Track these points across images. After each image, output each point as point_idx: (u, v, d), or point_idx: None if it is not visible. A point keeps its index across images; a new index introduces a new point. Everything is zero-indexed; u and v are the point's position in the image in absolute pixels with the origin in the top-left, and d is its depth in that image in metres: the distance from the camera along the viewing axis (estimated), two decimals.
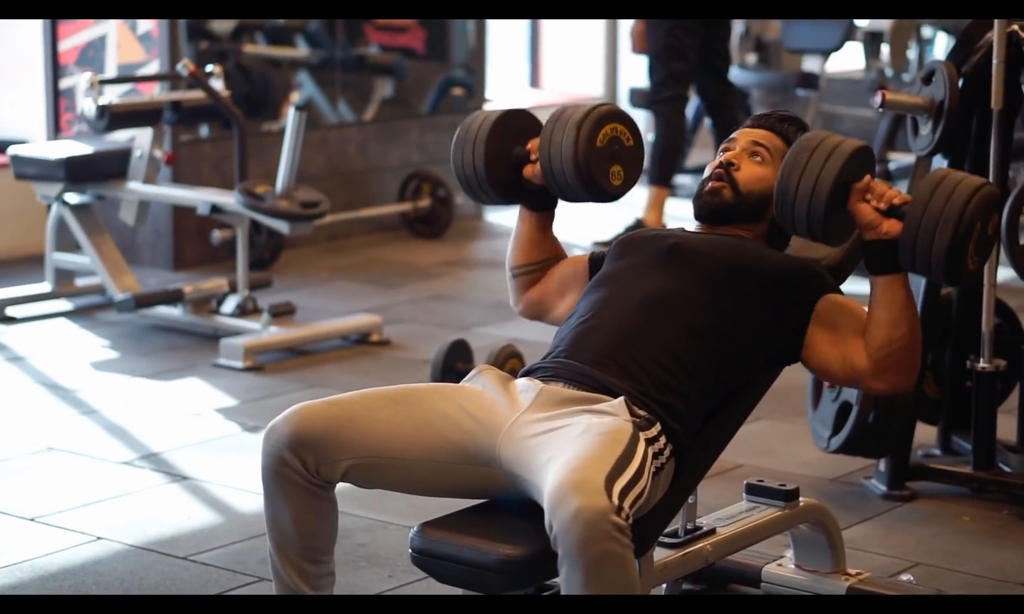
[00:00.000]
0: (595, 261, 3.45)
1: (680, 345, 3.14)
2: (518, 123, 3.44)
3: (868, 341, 3.12)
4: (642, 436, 2.98)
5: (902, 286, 3.10)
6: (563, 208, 3.47)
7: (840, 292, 3.27)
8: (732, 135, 3.45)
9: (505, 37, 10.20)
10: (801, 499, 3.59)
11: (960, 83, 4.37)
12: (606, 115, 3.31)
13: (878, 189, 3.07)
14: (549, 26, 10.89)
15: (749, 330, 3.19)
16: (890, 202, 3.06)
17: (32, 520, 4.32)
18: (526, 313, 3.54)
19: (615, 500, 2.78)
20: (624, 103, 10.04)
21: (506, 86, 9.94)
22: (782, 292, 3.21)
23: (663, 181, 7.58)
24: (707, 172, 3.40)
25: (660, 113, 7.55)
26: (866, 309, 3.16)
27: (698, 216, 3.39)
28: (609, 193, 3.33)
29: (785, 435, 5.07)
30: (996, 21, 4.27)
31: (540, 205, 3.46)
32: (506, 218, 8.79)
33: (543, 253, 3.50)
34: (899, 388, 3.16)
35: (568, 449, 2.89)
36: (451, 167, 3.46)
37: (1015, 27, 4.35)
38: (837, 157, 3.04)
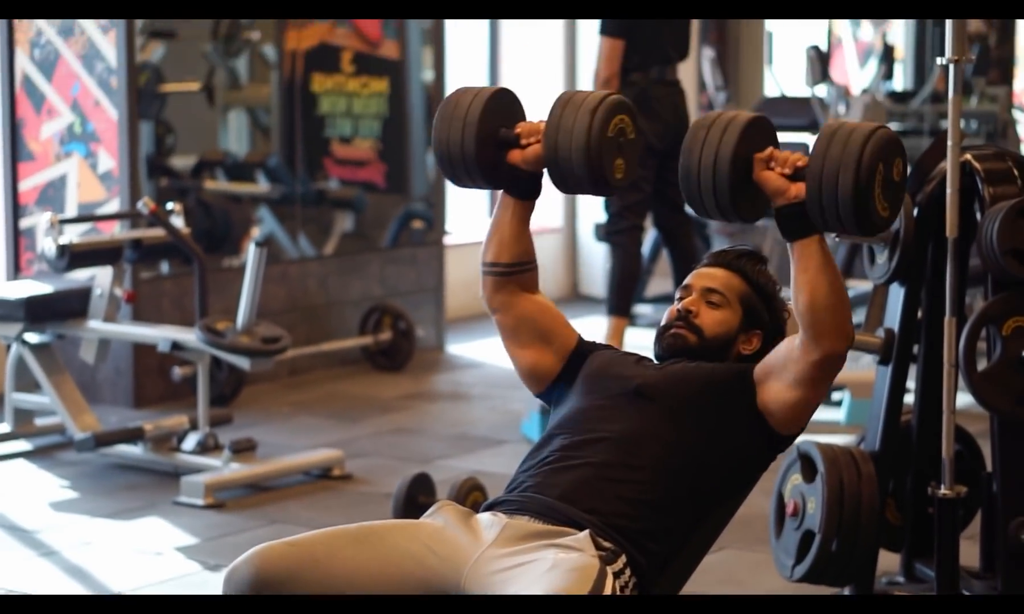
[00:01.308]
0: (580, 348, 3.41)
1: (647, 483, 3.14)
2: (506, 103, 3.33)
3: (796, 316, 3.12)
4: (609, 570, 2.97)
5: (818, 248, 3.08)
6: None
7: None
8: (687, 279, 3.45)
9: None
10: None
11: (915, 212, 4.41)
12: (618, 105, 3.21)
13: (781, 156, 3.07)
14: None
15: (716, 448, 3.20)
16: (795, 166, 3.05)
17: None
18: (498, 315, 3.42)
19: None
20: (589, 237, 10.09)
21: (466, 218, 9.99)
22: (731, 393, 3.23)
23: (622, 311, 7.60)
24: (665, 320, 3.41)
25: (617, 244, 7.60)
26: (787, 339, 3.18)
27: (660, 358, 3.40)
28: (612, 186, 3.24)
29: (749, 564, 5.06)
30: (949, 150, 4.32)
31: (526, 193, 3.35)
32: (467, 351, 8.80)
33: (519, 254, 3.39)
34: (835, 352, 3.12)
35: (536, 586, 2.88)
36: (432, 146, 3.31)
37: (968, 157, 4.40)
38: (734, 128, 3.03)
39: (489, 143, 3.28)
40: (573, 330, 3.46)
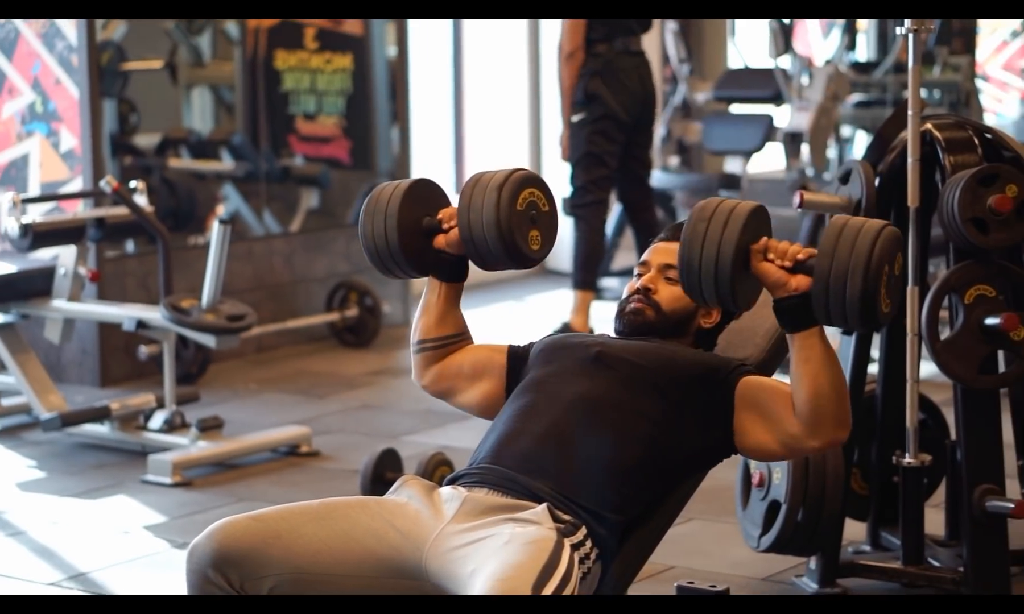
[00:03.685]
0: (513, 354, 3.44)
1: (607, 450, 3.15)
2: (426, 192, 3.39)
3: (795, 402, 3.12)
4: (567, 542, 2.98)
5: (819, 340, 3.08)
6: (493, 314, 3.47)
7: (757, 374, 3.29)
8: (645, 255, 3.46)
9: (430, 143, 10.25)
10: None
11: (876, 182, 4.43)
12: (525, 179, 3.28)
13: (779, 247, 3.07)
14: (473, 132, 10.95)
15: (676, 433, 3.21)
16: (794, 258, 3.06)
17: None
18: (431, 389, 3.49)
19: None
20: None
21: None
22: (702, 389, 3.23)
23: (588, 285, 7.62)
24: (625, 293, 3.42)
25: (581, 218, 7.61)
26: (787, 381, 3.18)
27: (620, 333, 3.41)
28: (530, 258, 3.30)
29: (716, 535, 5.08)
30: (910, 120, 4.34)
31: (452, 276, 3.41)
32: None
33: (450, 329, 3.45)
34: (835, 442, 3.14)
35: (492, 560, 2.89)
36: (360, 239, 3.39)
37: (928, 126, 4.41)
38: (734, 222, 3.04)
39: (413, 232, 3.35)
40: (500, 346, 3.49)
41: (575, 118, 7.67)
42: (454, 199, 3.37)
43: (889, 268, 3.02)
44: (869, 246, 2.98)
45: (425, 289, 3.47)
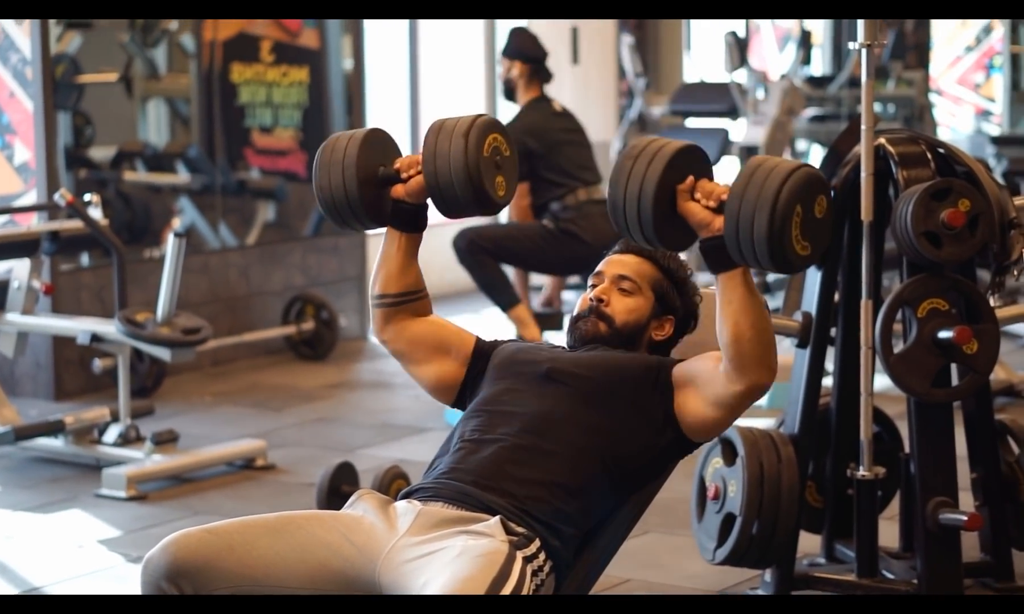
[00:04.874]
0: (479, 348, 3.43)
1: (561, 466, 3.16)
2: (380, 142, 3.36)
3: (720, 348, 3.12)
4: (519, 555, 2.98)
5: (742, 281, 3.06)
6: (456, 314, 3.46)
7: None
8: (599, 266, 3.47)
9: None
10: None
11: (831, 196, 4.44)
12: (489, 124, 3.26)
13: (706, 187, 3.05)
14: None
15: (630, 440, 3.22)
16: (719, 199, 3.03)
17: None
18: (390, 345, 3.46)
19: None
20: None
21: None
22: (646, 387, 3.24)
23: (512, 302, 7.56)
24: (577, 309, 3.43)
25: (468, 265, 7.56)
26: (713, 354, 3.18)
27: (572, 346, 3.42)
28: (495, 203, 3.27)
29: (672, 548, 5.09)
30: (863, 134, 4.36)
31: (411, 226, 3.38)
32: None
33: (410, 284, 3.42)
34: (759, 385, 3.12)
35: (443, 573, 2.89)
36: (315, 194, 3.34)
37: (882, 140, 4.44)
38: (659, 160, 3.02)
39: (370, 183, 3.32)
40: (469, 334, 3.48)
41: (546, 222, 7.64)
42: (405, 150, 3.33)
43: (803, 209, 2.97)
44: (778, 185, 2.94)
45: (384, 241, 3.42)
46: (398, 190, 3.33)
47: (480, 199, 3.24)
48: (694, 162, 3.07)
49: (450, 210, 3.28)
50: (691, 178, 3.05)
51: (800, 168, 2.99)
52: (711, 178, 3.08)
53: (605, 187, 8.17)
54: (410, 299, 3.43)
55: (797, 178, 2.96)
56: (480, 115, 3.28)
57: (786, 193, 2.94)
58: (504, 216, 7.99)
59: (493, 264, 7.51)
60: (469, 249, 7.45)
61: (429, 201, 3.32)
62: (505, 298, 7.55)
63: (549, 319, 8.09)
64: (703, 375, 3.19)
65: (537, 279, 8.73)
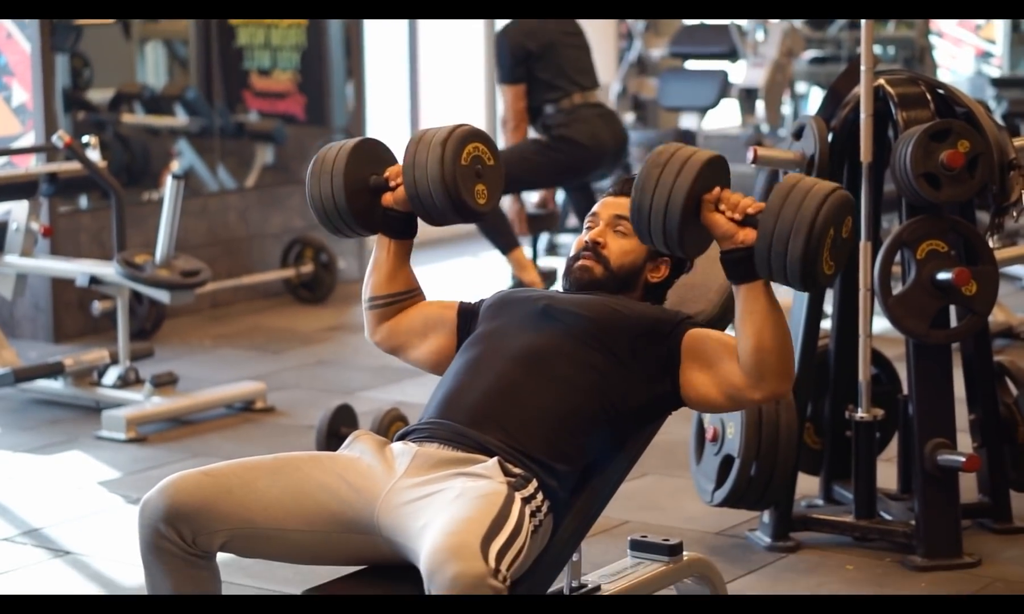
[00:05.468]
0: (464, 311, 3.44)
1: (555, 400, 3.16)
2: (372, 151, 3.40)
3: (739, 354, 3.13)
4: (517, 496, 2.99)
5: (763, 293, 3.08)
6: (447, 270, 3.46)
7: (702, 327, 3.29)
8: (595, 208, 3.47)
9: (385, 99, 10.22)
10: (685, 553, 3.60)
11: (830, 137, 4.44)
12: (468, 135, 3.29)
13: (731, 199, 3.07)
14: (429, 89, 10.93)
15: (623, 384, 3.21)
16: (744, 211, 3.05)
17: None
18: (383, 345, 3.50)
19: (492, 563, 2.79)
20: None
21: None
22: (649, 343, 3.23)
23: (512, 244, 7.57)
24: (573, 251, 3.43)
25: None
26: (732, 333, 3.19)
27: (568, 290, 3.42)
28: (475, 212, 3.31)
29: (670, 490, 5.10)
30: (863, 75, 4.35)
31: (401, 233, 3.42)
32: None
33: (401, 285, 3.45)
34: (777, 394, 3.15)
35: (443, 514, 2.89)
36: (308, 200, 3.40)
37: (882, 81, 4.43)
38: (688, 170, 3.04)
39: (361, 191, 3.36)
40: (450, 303, 3.49)
41: (538, 136, 7.60)
42: (401, 157, 3.37)
43: (835, 232, 3.01)
44: (815, 209, 2.97)
45: (375, 246, 3.48)
46: (387, 198, 3.38)
47: (458, 208, 3.28)
48: (717, 172, 3.09)
49: (431, 219, 3.33)
50: (717, 189, 3.07)
51: (836, 191, 3.01)
52: (730, 187, 3.10)
53: (602, 94, 8.17)
54: (401, 299, 3.47)
55: (833, 201, 2.99)
56: (460, 125, 3.31)
57: (823, 217, 2.97)
58: (500, 141, 7.94)
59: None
60: None
61: None
62: (504, 241, 7.54)
63: (544, 220, 8.07)
64: (719, 364, 3.18)
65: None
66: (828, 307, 4.64)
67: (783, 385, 3.13)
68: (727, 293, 3.48)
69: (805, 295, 4.52)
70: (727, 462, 4.46)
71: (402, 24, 10.35)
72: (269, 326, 7.75)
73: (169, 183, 6.11)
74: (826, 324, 4.67)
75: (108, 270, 6.14)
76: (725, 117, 11.00)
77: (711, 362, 3.19)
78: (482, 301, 3.46)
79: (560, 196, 8.73)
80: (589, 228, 3.42)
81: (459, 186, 3.25)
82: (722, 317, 3.50)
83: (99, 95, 8.11)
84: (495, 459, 3.05)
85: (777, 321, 3.09)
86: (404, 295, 3.47)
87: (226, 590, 3.11)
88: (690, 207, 3.04)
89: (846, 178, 4.48)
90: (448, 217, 3.30)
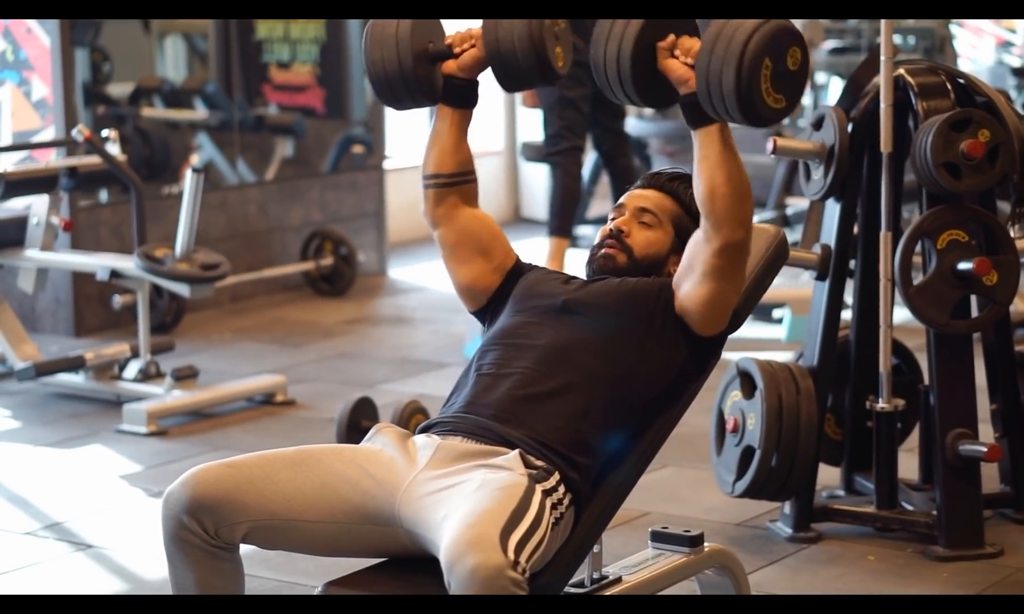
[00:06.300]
0: (515, 270, 3.42)
1: (577, 395, 3.16)
2: (428, 23, 3.35)
3: (698, 205, 3.14)
4: (539, 488, 2.99)
5: (719, 136, 3.08)
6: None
7: None
8: (621, 199, 3.47)
9: None
10: (706, 544, 3.60)
11: (849, 128, 4.44)
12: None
13: (685, 44, 3.08)
14: None
15: (645, 363, 3.22)
16: (696, 54, 3.05)
17: None
18: (438, 225, 3.43)
19: (511, 554, 2.79)
20: (518, 157, 10.12)
21: (406, 142, 9.95)
22: (652, 306, 3.24)
23: (563, 231, 7.59)
24: (598, 239, 3.43)
25: (557, 165, 7.58)
26: (692, 238, 3.20)
27: (591, 277, 3.41)
28: (556, 74, 3.25)
29: (691, 481, 5.09)
30: (882, 65, 4.34)
31: (464, 102, 3.38)
32: (409, 275, 8.80)
33: (459, 163, 3.40)
34: (733, 239, 3.13)
35: (462, 506, 2.90)
36: (365, 71, 3.33)
37: (901, 71, 4.42)
38: (636, 20, 3.07)
39: (422, 58, 3.30)
40: (512, 249, 3.47)
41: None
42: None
43: (773, 61, 2.98)
44: (743, 40, 2.96)
45: (435, 118, 3.41)
46: (450, 66, 3.33)
47: (543, 68, 3.23)
48: (677, 24, 3.10)
49: (510, 80, 3.28)
50: (672, 36, 3.09)
51: (766, 23, 3.00)
52: (696, 37, 3.10)
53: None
54: (461, 180, 3.42)
55: (764, 31, 2.98)
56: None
57: (753, 46, 2.96)
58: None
59: (577, 187, 7.52)
60: (562, 152, 7.45)
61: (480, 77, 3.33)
62: (560, 224, 7.54)
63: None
64: (687, 259, 3.21)
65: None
66: (848, 298, 4.63)
67: (737, 231, 3.13)
68: (747, 283, 3.47)
69: (825, 286, 4.51)
70: (747, 453, 4.46)
71: None
72: (289, 319, 7.76)
73: (189, 177, 6.11)
74: (846, 315, 4.66)
75: (128, 264, 6.15)
76: None
77: (684, 266, 3.22)
78: (529, 266, 3.46)
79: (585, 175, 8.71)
80: (614, 218, 3.43)
81: (546, 44, 3.21)
82: (743, 305, 3.49)
83: (119, 89, 8.13)
84: (516, 451, 3.05)
85: (731, 164, 3.10)
86: (463, 176, 3.42)
87: (248, 582, 3.12)
88: (641, 54, 3.05)
89: (866, 168, 4.47)
90: (528, 78, 3.26)
